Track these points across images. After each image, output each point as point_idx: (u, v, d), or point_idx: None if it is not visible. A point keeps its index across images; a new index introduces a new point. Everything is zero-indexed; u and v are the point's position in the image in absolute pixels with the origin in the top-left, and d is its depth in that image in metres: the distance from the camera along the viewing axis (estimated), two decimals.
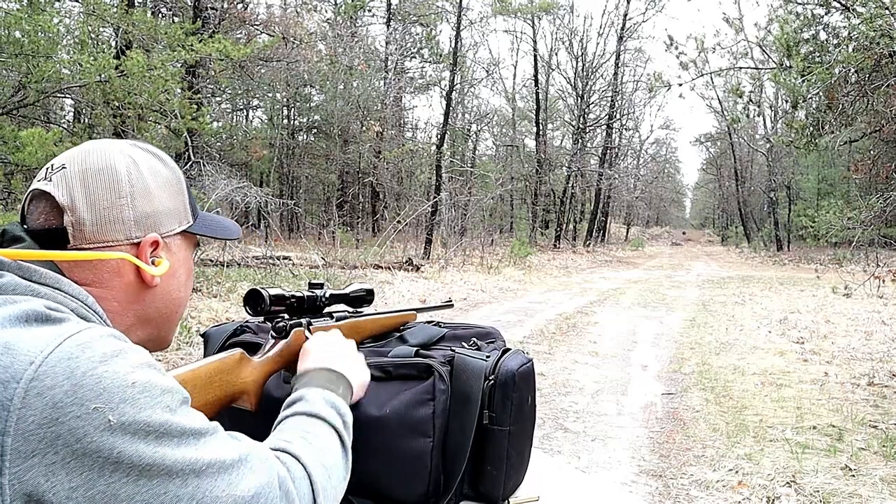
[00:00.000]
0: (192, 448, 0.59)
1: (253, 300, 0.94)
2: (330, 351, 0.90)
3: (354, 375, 0.89)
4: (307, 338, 0.95)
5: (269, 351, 0.92)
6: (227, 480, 0.60)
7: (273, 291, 0.94)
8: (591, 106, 28.05)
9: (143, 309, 0.76)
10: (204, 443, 0.60)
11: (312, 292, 1.02)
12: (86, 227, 0.69)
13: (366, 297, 1.12)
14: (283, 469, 0.67)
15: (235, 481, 0.61)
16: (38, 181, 0.72)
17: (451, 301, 1.41)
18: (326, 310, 1.05)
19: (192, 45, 7.93)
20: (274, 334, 0.96)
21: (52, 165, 0.72)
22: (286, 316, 0.98)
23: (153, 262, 0.74)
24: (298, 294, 0.99)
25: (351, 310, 1.10)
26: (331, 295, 1.05)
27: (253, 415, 0.87)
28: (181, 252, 0.80)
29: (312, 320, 1.00)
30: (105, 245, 0.71)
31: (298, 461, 0.69)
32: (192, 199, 0.82)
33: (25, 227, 0.71)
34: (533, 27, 26.91)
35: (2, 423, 0.52)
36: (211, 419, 0.64)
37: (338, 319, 1.05)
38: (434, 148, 19.88)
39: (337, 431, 0.77)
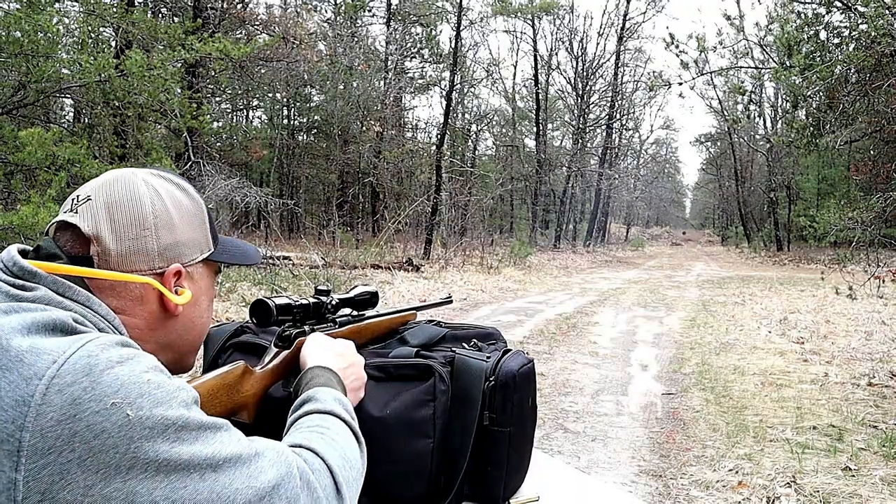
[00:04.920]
0: (210, 443, 0.60)
1: (259, 312, 0.92)
2: (328, 351, 0.90)
3: (349, 377, 0.88)
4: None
5: (270, 362, 0.91)
6: (247, 473, 0.61)
7: (279, 301, 0.92)
8: (591, 106, 28.05)
9: (165, 336, 0.77)
10: (220, 438, 0.61)
11: (318, 299, 1.00)
12: (111, 257, 0.71)
13: (370, 300, 1.11)
14: (301, 462, 0.67)
15: (255, 474, 0.61)
16: (64, 213, 0.73)
17: (450, 297, 1.39)
18: (330, 315, 1.03)
19: (192, 44, 7.91)
20: (278, 343, 0.94)
21: (77, 197, 0.73)
22: (291, 323, 0.96)
23: (176, 292, 0.76)
24: (304, 302, 0.97)
25: (355, 313, 1.09)
26: (338, 301, 1.04)
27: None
28: (203, 280, 0.82)
29: (317, 328, 0.99)
30: (130, 274, 0.72)
31: (317, 454, 0.70)
32: (213, 227, 0.83)
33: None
34: (533, 27, 26.93)
35: (21, 418, 0.52)
36: None
37: (341, 325, 1.03)
38: (434, 148, 19.86)
39: (350, 426, 0.77)
